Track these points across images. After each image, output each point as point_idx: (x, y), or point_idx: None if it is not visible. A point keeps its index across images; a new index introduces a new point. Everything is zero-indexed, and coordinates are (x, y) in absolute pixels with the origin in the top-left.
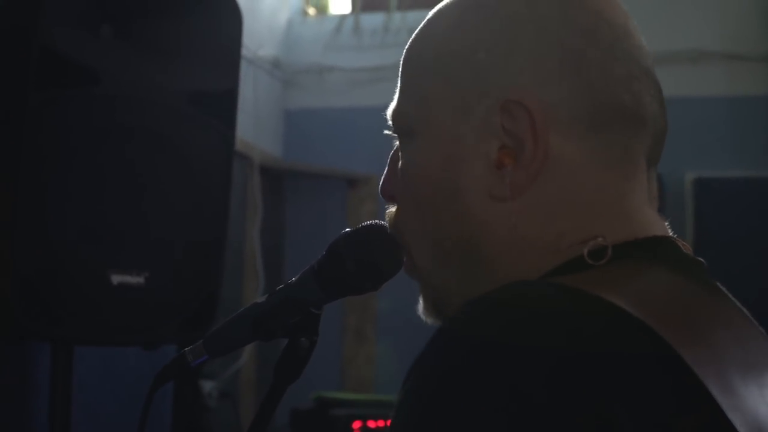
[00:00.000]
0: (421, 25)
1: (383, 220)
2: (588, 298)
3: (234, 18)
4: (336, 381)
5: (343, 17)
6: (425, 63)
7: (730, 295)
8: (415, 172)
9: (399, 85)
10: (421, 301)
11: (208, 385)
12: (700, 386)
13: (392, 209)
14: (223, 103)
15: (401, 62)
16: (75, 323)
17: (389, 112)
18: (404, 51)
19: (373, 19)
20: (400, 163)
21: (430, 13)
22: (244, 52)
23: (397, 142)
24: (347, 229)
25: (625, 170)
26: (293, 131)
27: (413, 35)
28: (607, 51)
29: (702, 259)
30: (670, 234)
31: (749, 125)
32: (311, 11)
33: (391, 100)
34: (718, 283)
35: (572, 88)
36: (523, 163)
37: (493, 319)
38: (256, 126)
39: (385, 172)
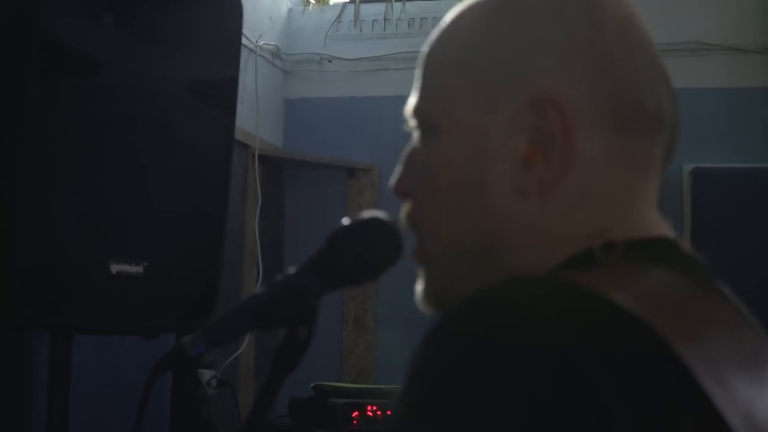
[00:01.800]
0: (445, 22)
1: (383, 210)
2: (588, 295)
3: (234, 7)
4: (336, 370)
5: (343, 7)
6: (451, 60)
7: (730, 294)
8: (439, 168)
9: (420, 81)
10: (419, 288)
11: (207, 374)
12: (695, 381)
13: (406, 208)
14: (223, 92)
15: (423, 59)
16: (74, 312)
17: (409, 108)
18: (427, 48)
19: (373, 9)
20: (419, 161)
21: (453, 11)
22: (244, 41)
23: (414, 140)
24: (346, 220)
25: (645, 171)
26: (293, 121)
27: (436, 32)
28: (632, 55)
29: (703, 259)
30: (672, 235)
31: (748, 117)
32: (312, 1)
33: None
34: (719, 282)
35: (599, 88)
36: (552, 160)
37: (495, 315)
38: (256, 115)
39: (400, 169)
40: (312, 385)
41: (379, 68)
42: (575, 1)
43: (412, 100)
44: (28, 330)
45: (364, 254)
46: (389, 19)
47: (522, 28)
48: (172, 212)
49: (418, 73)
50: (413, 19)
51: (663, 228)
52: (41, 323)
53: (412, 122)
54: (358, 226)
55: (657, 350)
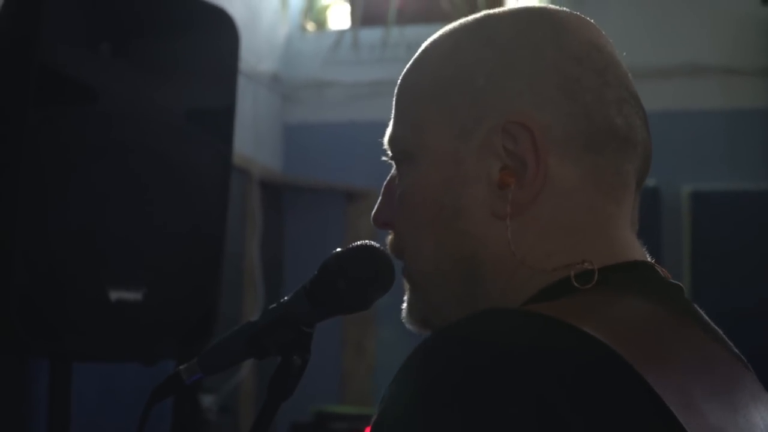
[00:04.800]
0: (416, 54)
1: (381, 235)
2: (560, 327)
3: (231, 34)
4: (336, 394)
5: (341, 32)
6: (422, 89)
7: (705, 318)
8: (416, 196)
9: (394, 112)
10: (405, 308)
11: (207, 399)
12: (664, 408)
13: (391, 236)
14: (220, 119)
15: (396, 90)
16: (74, 339)
17: (385, 138)
18: (399, 79)
19: (371, 34)
20: (397, 189)
21: (425, 43)
22: (243, 66)
23: (393, 170)
24: (338, 249)
25: (617, 193)
26: (292, 145)
27: (408, 64)
28: (600, 77)
29: (680, 283)
30: (648, 259)
31: (745, 138)
32: (310, 26)
33: (390, 114)
34: (696, 307)
35: (568, 111)
36: (524, 182)
37: (468, 351)
38: (255, 140)
39: (378, 200)
40: (313, 409)
41: (377, 93)
42: (542, 26)
43: (388, 130)
44: (28, 357)
45: (356, 281)
46: (387, 44)
47: (491, 54)
48: (171, 239)
49: (393, 102)
50: (411, 43)
51: (638, 252)
52: (41, 350)
53: (389, 152)
54: (350, 253)
55: (627, 381)
